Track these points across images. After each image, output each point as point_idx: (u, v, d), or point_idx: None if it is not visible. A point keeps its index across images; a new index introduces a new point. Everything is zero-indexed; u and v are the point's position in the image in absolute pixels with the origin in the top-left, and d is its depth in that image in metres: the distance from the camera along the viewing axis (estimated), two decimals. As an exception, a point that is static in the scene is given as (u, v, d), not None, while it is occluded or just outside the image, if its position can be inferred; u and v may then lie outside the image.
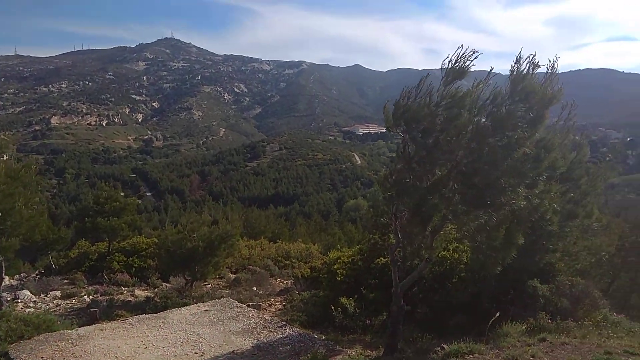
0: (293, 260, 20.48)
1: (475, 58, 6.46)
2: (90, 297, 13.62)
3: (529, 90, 6.01)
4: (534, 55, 6.19)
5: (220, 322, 9.18)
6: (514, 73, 6.18)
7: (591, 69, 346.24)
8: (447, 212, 6.97)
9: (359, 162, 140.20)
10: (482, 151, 6.11)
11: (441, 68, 6.76)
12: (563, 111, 9.20)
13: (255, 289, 14.89)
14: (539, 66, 6.13)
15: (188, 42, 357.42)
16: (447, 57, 6.67)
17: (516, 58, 6.18)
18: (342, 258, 11.64)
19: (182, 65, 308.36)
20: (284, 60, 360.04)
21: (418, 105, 6.55)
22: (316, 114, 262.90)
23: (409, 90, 6.79)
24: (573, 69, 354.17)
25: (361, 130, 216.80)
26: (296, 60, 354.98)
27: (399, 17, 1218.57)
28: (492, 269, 7.08)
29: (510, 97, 6.11)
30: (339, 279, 10.98)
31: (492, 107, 6.23)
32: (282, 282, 16.95)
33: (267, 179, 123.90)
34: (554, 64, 6.75)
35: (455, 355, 6.03)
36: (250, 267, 17.58)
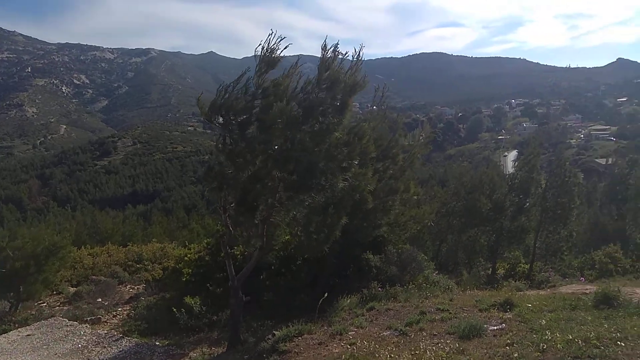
0: (146, 263, 19.33)
1: (285, 48, 6.56)
2: None
3: (334, 79, 6.27)
4: (337, 44, 6.46)
5: (44, 346, 8.21)
6: (321, 61, 6.38)
7: (426, 52, 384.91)
8: (273, 200, 7.08)
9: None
10: (295, 138, 6.25)
11: (254, 56, 6.75)
12: (376, 94, 9.92)
13: (100, 300, 13.69)
14: (342, 54, 6.41)
15: (12, 29, 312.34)
16: (260, 44, 6.67)
17: (322, 47, 6.39)
18: (189, 255, 11.24)
19: (7, 57, 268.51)
20: (130, 47, 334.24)
21: (235, 97, 6.47)
22: (172, 104, 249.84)
23: (227, 85, 6.68)
24: (411, 54, 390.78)
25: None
26: (144, 48, 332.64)
27: (250, 4, 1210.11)
28: (319, 250, 7.37)
29: (318, 85, 6.32)
30: (184, 278, 10.59)
31: (303, 95, 6.39)
32: (133, 289, 15.89)
33: (121, 177, 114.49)
34: (359, 53, 7.14)
35: (284, 340, 6.17)
36: (94, 277, 16.08)
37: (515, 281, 12.71)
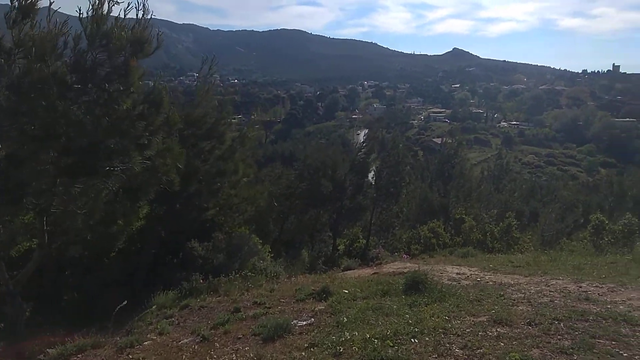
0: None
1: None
2: None
3: (109, 34, 5.08)
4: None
5: None
6: (94, 13, 5.12)
7: (287, 29, 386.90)
8: (50, 187, 5.71)
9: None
10: (63, 109, 4.98)
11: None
12: (204, 65, 8.91)
13: None
14: (117, 3, 5.20)
15: None
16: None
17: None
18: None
19: None
20: None
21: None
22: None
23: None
24: (273, 29, 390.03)
25: None
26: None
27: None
28: (110, 246, 6.24)
29: (91, 42, 5.09)
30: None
31: (75, 55, 5.11)
32: None
33: None
34: (145, 8, 5.87)
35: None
36: None
37: (352, 258, 12.99)
